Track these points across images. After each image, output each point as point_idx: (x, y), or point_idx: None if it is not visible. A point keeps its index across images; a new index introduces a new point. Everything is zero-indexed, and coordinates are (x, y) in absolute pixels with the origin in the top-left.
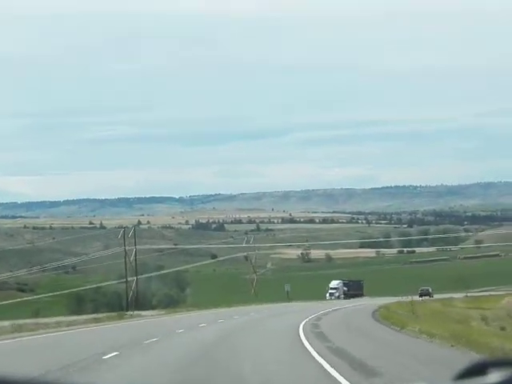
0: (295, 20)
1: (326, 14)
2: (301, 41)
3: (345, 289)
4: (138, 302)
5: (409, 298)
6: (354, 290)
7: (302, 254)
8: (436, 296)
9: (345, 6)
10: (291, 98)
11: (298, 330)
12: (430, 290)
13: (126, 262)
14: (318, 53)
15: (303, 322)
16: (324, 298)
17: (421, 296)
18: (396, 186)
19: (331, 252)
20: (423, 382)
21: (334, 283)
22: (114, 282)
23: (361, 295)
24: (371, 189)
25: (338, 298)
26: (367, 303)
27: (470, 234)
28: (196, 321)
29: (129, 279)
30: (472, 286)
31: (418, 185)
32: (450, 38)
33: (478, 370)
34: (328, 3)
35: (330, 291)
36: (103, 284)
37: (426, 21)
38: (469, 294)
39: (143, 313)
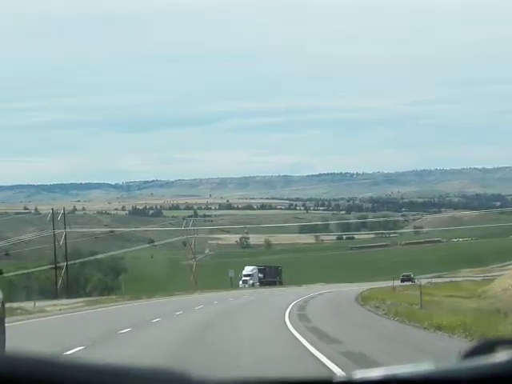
0: (224, 6)
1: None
2: (235, 27)
3: (260, 275)
4: (69, 289)
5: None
6: (270, 276)
7: (240, 239)
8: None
9: None
10: (227, 84)
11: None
12: (412, 276)
13: (55, 246)
14: (254, 39)
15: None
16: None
17: (403, 281)
18: (333, 173)
19: (270, 238)
20: (430, 362)
21: (247, 269)
22: (44, 267)
23: (279, 282)
24: (308, 176)
25: (253, 285)
26: (335, 290)
27: (410, 218)
28: (120, 320)
29: (60, 264)
30: (422, 272)
31: (355, 172)
32: (385, 28)
33: (486, 348)
34: None
35: (243, 278)
36: (35, 270)
37: (359, 11)
38: (433, 281)
39: (53, 304)
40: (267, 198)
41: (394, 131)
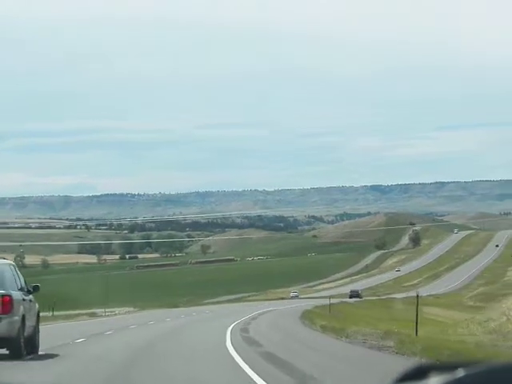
0: (21, 24)
1: (57, 16)
2: (18, 44)
3: None
4: None
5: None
6: None
7: (15, 259)
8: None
9: (90, 8)
10: (4, 103)
11: None
12: (359, 292)
13: None
14: (37, 57)
15: None
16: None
17: (351, 297)
18: (114, 194)
19: (48, 258)
20: None
21: None
22: None
23: None
24: (89, 196)
25: None
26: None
27: (196, 239)
28: None
29: None
30: (228, 292)
31: (137, 193)
32: (169, 48)
33: (419, 373)
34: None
35: None
36: None
37: (143, 28)
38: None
39: None
40: (46, 219)
41: (176, 153)
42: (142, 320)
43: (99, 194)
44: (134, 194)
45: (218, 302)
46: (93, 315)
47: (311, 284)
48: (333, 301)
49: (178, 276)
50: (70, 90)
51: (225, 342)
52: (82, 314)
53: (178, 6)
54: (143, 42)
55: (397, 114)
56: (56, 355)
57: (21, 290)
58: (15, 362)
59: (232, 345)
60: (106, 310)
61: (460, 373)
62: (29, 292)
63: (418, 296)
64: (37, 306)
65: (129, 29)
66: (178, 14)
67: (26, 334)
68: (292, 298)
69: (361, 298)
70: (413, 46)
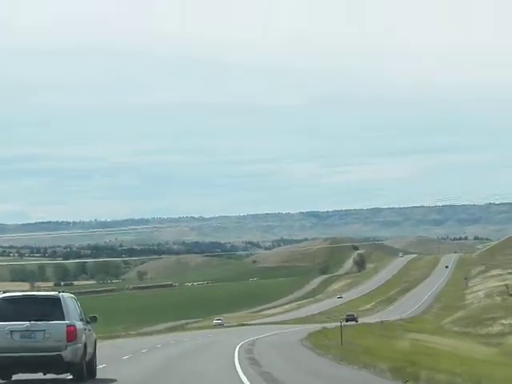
0: None
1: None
2: None
3: None
4: None
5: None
6: None
7: None
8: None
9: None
10: None
11: None
12: (355, 316)
13: None
14: None
15: None
16: None
17: (347, 321)
18: (49, 222)
19: None
20: None
21: None
22: None
23: None
24: (23, 224)
25: None
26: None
27: (133, 263)
28: None
29: None
30: (171, 318)
31: (72, 220)
32: (103, 77)
33: None
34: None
35: None
36: None
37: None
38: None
39: None
40: None
41: (111, 180)
42: None
43: (34, 221)
44: (69, 222)
45: (159, 331)
46: None
47: (257, 309)
48: (314, 326)
49: (115, 302)
50: (5, 118)
51: None
52: None
53: (116, 35)
54: (76, 71)
55: (332, 142)
56: (113, 380)
57: (81, 320)
58: None
59: None
60: None
61: None
62: (87, 322)
63: None
64: (94, 334)
65: (62, 58)
66: (113, 43)
67: (86, 359)
68: (215, 326)
69: (357, 321)
70: (347, 74)
